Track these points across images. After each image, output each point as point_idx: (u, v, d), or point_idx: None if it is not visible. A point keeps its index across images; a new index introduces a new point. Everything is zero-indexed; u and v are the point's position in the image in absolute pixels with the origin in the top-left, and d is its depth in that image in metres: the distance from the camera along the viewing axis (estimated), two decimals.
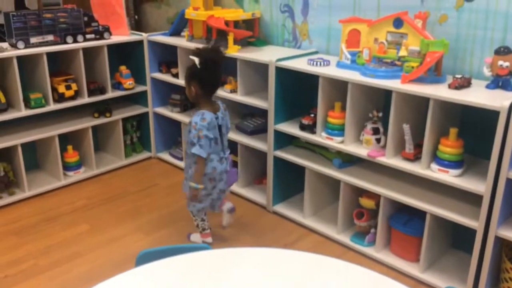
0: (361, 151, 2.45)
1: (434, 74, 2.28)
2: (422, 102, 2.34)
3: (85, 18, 3.14)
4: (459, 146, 2.16)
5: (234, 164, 3.13)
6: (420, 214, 2.33)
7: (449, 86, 2.15)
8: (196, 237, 2.66)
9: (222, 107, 2.37)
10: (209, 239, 2.60)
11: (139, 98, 3.66)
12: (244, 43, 3.08)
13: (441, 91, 2.11)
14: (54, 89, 3.10)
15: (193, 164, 2.34)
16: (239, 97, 2.99)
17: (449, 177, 2.15)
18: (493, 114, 1.93)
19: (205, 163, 2.31)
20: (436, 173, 2.19)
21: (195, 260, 1.46)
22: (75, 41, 3.11)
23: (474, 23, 2.28)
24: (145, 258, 1.52)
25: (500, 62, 2.08)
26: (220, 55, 2.26)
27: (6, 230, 2.78)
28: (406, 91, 2.18)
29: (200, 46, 2.37)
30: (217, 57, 2.24)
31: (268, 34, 3.22)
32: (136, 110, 3.62)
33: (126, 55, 3.60)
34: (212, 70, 2.24)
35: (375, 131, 2.43)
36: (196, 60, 2.20)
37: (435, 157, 2.23)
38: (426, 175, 2.21)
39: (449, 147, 2.16)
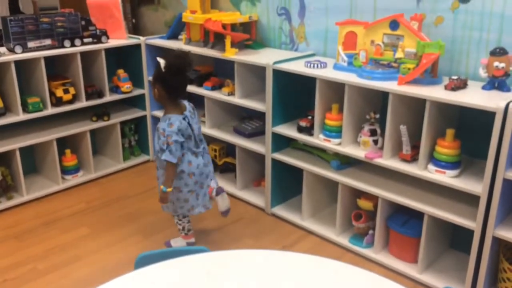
0: (359, 152, 2.46)
1: (430, 75, 2.29)
2: (418, 104, 2.35)
3: (83, 22, 3.15)
4: (456, 147, 2.17)
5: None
6: (418, 215, 2.34)
7: (446, 88, 2.16)
8: (178, 241, 2.63)
9: (190, 106, 2.39)
10: (193, 239, 2.61)
11: (137, 102, 3.66)
12: (241, 46, 3.09)
13: (437, 93, 2.12)
14: (52, 93, 3.11)
15: (162, 164, 2.37)
16: (236, 100, 3.00)
17: (446, 178, 2.16)
18: (489, 115, 1.95)
19: (179, 161, 2.32)
20: (433, 174, 2.20)
21: (194, 262, 1.46)
22: (72, 45, 3.12)
23: (469, 24, 2.29)
24: (143, 261, 1.53)
25: (496, 63, 2.09)
26: (185, 62, 2.24)
27: (5, 234, 2.78)
28: (403, 93, 2.19)
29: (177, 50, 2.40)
30: (181, 64, 2.23)
31: (265, 37, 3.23)
32: (134, 114, 3.62)
33: (123, 58, 3.61)
34: (175, 75, 2.25)
35: (373, 132, 2.44)
36: (162, 63, 2.23)
37: (432, 158, 2.24)
38: (423, 176, 2.22)
39: (446, 148, 2.17)
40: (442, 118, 2.23)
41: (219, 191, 2.49)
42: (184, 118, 2.30)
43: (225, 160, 3.42)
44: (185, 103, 2.40)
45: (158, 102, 2.43)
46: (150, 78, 3.50)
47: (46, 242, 2.69)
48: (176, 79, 2.28)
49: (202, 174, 2.42)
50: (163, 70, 2.23)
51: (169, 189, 2.33)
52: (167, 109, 2.35)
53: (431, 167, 2.22)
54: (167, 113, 2.33)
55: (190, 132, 2.33)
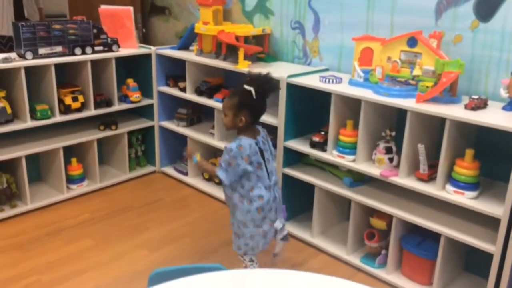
0: (374, 170, 2.41)
1: (449, 94, 2.25)
2: (435, 122, 2.32)
3: (94, 30, 3.12)
4: (476, 168, 2.12)
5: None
6: (433, 236, 2.29)
7: (466, 107, 2.12)
8: None
9: (263, 132, 2.27)
10: None
11: (145, 112, 3.62)
12: (253, 58, 3.06)
13: (457, 112, 2.08)
14: (60, 101, 3.07)
15: (232, 193, 2.21)
16: None
17: (465, 199, 2.11)
18: (509, 136, 1.90)
19: (252, 190, 2.16)
20: (451, 194, 2.15)
21: (209, 280, 1.41)
22: (83, 53, 3.08)
23: (489, 44, 2.26)
24: (157, 277, 1.48)
25: None
26: (273, 86, 2.18)
27: (8, 244, 2.71)
28: (422, 111, 2.15)
29: (253, 73, 2.24)
30: (270, 88, 2.17)
31: (277, 50, 3.20)
32: (141, 124, 3.58)
33: (133, 68, 3.58)
34: (264, 99, 2.19)
35: (388, 150, 2.40)
36: (253, 90, 2.10)
37: (450, 178, 2.19)
38: (441, 196, 2.17)
39: (465, 169, 2.12)
40: (461, 137, 2.19)
41: (285, 238, 2.29)
42: (256, 143, 2.16)
43: None
44: (259, 128, 2.26)
45: (235, 128, 2.21)
46: (159, 88, 3.52)
47: (50, 254, 2.63)
48: (264, 104, 2.21)
49: (271, 210, 2.22)
50: (254, 97, 2.11)
51: (198, 158, 2.30)
52: (242, 133, 2.19)
53: (449, 187, 2.17)
54: (240, 135, 2.19)
55: (260, 160, 2.16)
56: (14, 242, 2.73)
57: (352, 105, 2.48)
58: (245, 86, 2.12)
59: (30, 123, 2.93)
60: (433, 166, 2.28)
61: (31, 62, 2.85)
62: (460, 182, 2.13)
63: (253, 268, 2.27)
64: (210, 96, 3.24)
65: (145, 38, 4.14)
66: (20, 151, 2.94)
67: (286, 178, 2.82)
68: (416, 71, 2.34)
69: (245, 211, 2.18)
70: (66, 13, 4.65)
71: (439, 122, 2.31)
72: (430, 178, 2.26)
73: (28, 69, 2.88)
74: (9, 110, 2.88)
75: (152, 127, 3.63)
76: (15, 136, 2.99)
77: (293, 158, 2.84)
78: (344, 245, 2.65)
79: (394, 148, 2.40)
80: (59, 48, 2.99)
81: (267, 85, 2.16)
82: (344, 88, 2.48)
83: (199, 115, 3.61)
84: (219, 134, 3.24)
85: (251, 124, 2.21)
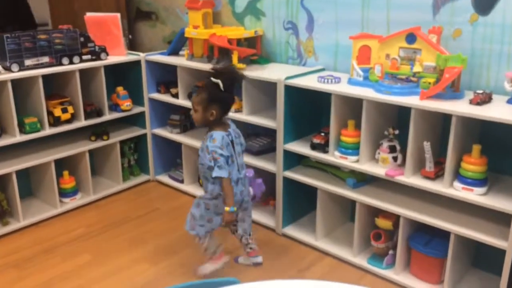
0: (378, 170, 2.37)
1: (452, 90, 2.23)
2: (438, 119, 2.29)
3: (82, 39, 3.02)
4: (483, 163, 2.09)
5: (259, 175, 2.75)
6: (441, 234, 2.26)
7: (471, 102, 2.09)
8: (207, 267, 2.44)
9: (234, 126, 2.33)
10: (225, 258, 2.46)
11: (136, 120, 3.53)
12: (247, 61, 2.99)
13: (464, 107, 2.05)
14: (49, 113, 2.96)
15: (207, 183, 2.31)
16: (244, 117, 2.89)
17: (475, 195, 2.08)
18: None
19: (221, 183, 2.23)
20: (460, 191, 2.12)
21: None
22: (71, 62, 2.98)
23: (489, 37, 2.24)
24: None
25: None
26: (239, 76, 2.27)
27: (4, 263, 2.60)
28: (428, 108, 2.11)
29: (216, 66, 2.37)
30: (237, 79, 2.26)
31: (270, 51, 3.14)
32: (133, 132, 3.49)
33: (122, 75, 3.49)
34: (232, 91, 2.25)
35: (392, 149, 2.36)
36: (220, 83, 2.15)
37: (457, 175, 2.16)
38: (450, 194, 2.13)
39: (473, 165, 2.09)
40: (466, 133, 2.16)
41: (258, 265, 2.47)
42: (227, 135, 2.22)
43: None
44: (230, 122, 2.33)
45: (206, 124, 2.26)
46: (150, 95, 3.44)
47: (48, 271, 2.53)
48: (232, 96, 2.27)
49: (242, 204, 2.33)
50: (222, 89, 2.16)
51: (235, 208, 2.23)
52: (214, 128, 2.24)
53: (457, 184, 2.13)
54: (212, 130, 2.25)
55: (232, 152, 2.23)
56: (10, 261, 2.62)
57: (353, 105, 2.44)
58: (212, 79, 2.17)
59: (19, 137, 2.82)
60: (438, 163, 2.25)
61: (18, 74, 2.74)
62: (468, 178, 2.10)
63: (212, 245, 2.40)
64: None
65: (132, 45, 4.05)
66: (10, 167, 2.83)
67: (286, 181, 2.77)
68: (417, 68, 2.30)
69: (213, 198, 2.28)
70: (48, 22, 4.53)
71: (442, 118, 2.28)
72: (437, 175, 2.23)
73: (14, 82, 2.76)
74: None
75: (144, 135, 3.54)
76: (4, 151, 2.87)
77: (293, 160, 2.79)
78: (350, 246, 2.61)
79: (398, 147, 2.37)
80: (45, 59, 2.88)
81: (233, 76, 2.24)
82: (344, 88, 2.43)
83: (192, 121, 3.53)
84: None
85: (221, 118, 2.26)
